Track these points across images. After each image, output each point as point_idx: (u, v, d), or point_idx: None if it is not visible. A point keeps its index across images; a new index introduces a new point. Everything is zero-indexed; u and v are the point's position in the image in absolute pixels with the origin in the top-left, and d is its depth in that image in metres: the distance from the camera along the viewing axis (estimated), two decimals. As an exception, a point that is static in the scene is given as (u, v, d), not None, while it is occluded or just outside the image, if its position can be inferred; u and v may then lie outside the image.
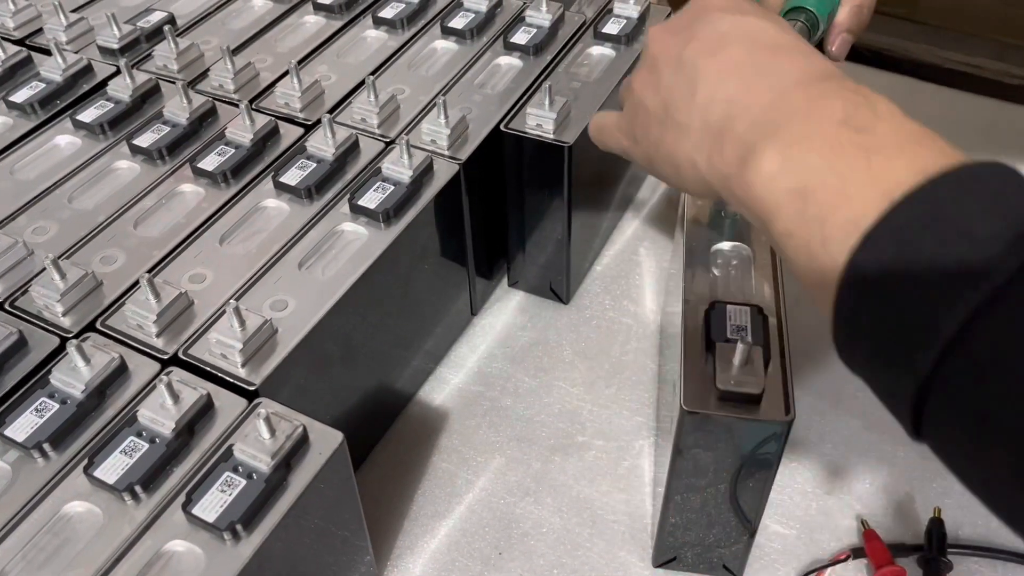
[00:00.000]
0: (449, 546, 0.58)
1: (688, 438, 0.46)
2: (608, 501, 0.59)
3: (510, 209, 0.68)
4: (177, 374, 0.47)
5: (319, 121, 0.61)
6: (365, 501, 0.50)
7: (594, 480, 0.61)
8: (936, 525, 0.55)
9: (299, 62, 0.68)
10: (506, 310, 0.72)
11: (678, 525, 0.52)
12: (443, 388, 0.67)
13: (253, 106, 0.64)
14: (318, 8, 0.75)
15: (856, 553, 0.55)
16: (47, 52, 0.69)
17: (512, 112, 0.64)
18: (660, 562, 0.55)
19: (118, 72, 0.66)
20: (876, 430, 0.62)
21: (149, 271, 0.53)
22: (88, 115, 0.63)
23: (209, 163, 0.59)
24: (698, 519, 0.51)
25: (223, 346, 0.48)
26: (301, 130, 0.63)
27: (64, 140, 0.63)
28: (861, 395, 0.64)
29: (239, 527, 0.41)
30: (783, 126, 0.35)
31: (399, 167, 0.58)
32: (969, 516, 0.57)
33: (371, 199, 0.57)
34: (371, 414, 0.62)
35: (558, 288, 0.72)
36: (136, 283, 0.51)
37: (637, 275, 0.75)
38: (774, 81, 0.37)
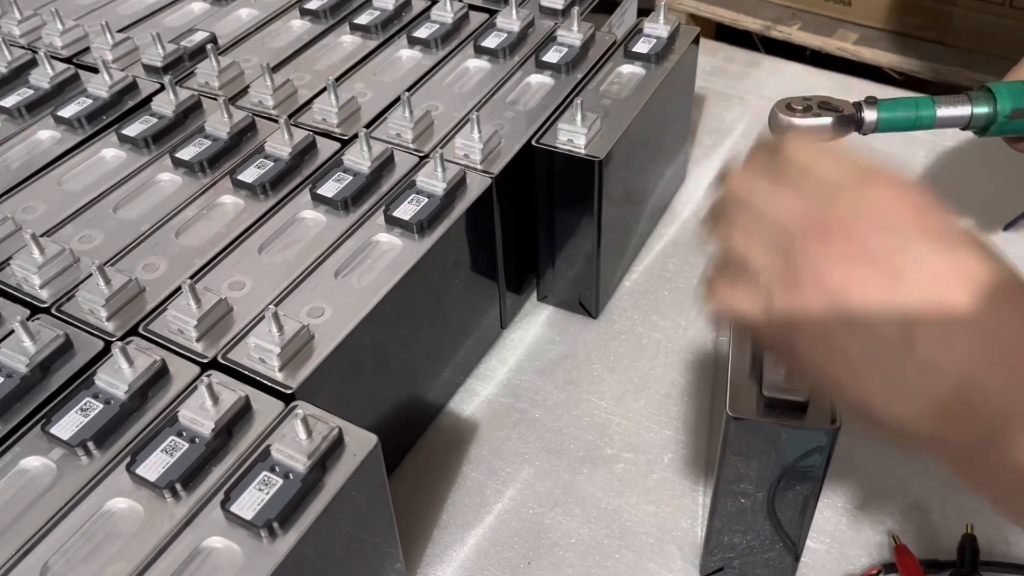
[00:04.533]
0: (478, 555, 0.58)
1: (734, 445, 0.46)
2: (637, 513, 0.60)
3: (540, 224, 0.69)
4: (217, 377, 0.48)
5: (355, 136, 0.63)
6: (395, 509, 0.50)
7: (623, 492, 0.61)
8: (969, 541, 0.55)
9: (336, 79, 0.70)
10: (535, 324, 0.73)
11: (723, 534, 0.52)
12: (473, 400, 0.68)
13: (292, 121, 0.66)
14: (355, 29, 0.77)
15: (888, 569, 0.55)
16: (94, 70, 0.72)
17: (543, 128, 0.66)
18: (707, 572, 0.55)
19: (162, 88, 0.69)
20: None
21: (190, 278, 0.54)
22: (133, 129, 0.65)
23: (249, 175, 0.61)
24: (744, 529, 0.51)
25: (261, 350, 0.49)
26: (338, 144, 0.65)
27: (110, 153, 0.65)
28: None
29: (275, 525, 0.41)
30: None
31: (433, 180, 0.59)
32: (1002, 533, 0.57)
33: (405, 211, 0.58)
34: (402, 423, 0.63)
35: (587, 303, 0.72)
36: (178, 289, 0.53)
37: (667, 291, 0.75)
38: (999, 331, 0.32)
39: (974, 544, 0.55)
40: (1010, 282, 0.33)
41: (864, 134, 0.53)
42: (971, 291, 0.33)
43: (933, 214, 0.35)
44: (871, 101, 0.52)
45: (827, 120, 0.52)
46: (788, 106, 0.53)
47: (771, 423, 0.44)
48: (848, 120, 0.52)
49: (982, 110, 0.52)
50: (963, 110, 0.52)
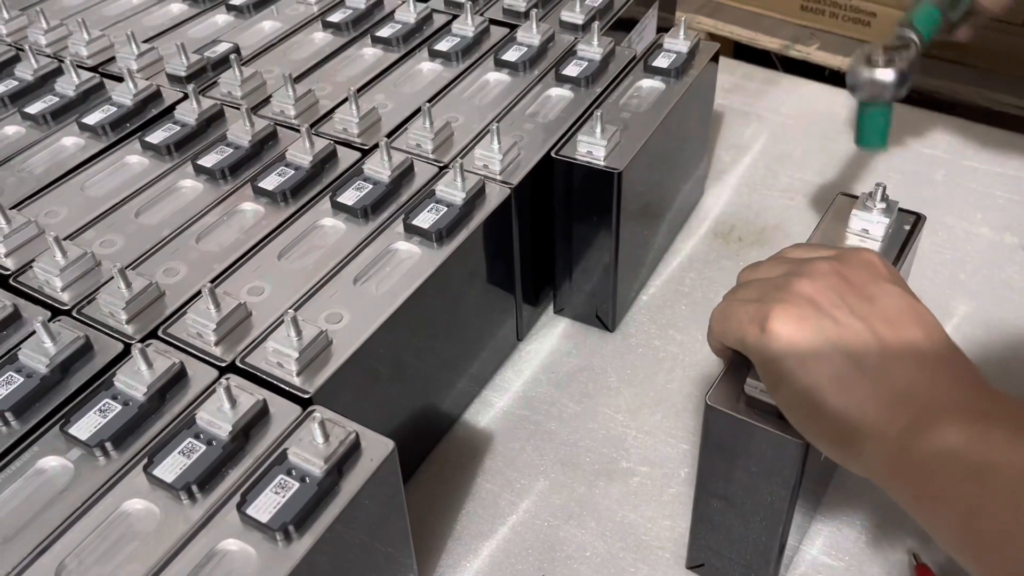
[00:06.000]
0: (492, 567, 0.58)
1: (709, 435, 0.47)
2: (652, 527, 0.59)
3: (558, 236, 0.69)
4: (235, 380, 0.48)
5: (376, 145, 0.63)
6: (409, 519, 0.50)
7: (638, 506, 0.60)
8: (991, 561, 0.54)
9: (358, 90, 0.70)
10: (552, 336, 0.73)
11: (703, 528, 0.53)
12: (488, 411, 0.67)
13: (313, 131, 0.66)
14: (376, 41, 0.78)
15: (907, 587, 0.54)
16: (119, 79, 0.73)
17: (563, 140, 0.66)
18: (691, 565, 0.56)
19: (185, 97, 0.69)
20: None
21: (210, 282, 0.54)
22: (156, 137, 0.66)
23: (269, 183, 0.61)
24: (723, 526, 0.52)
25: (279, 355, 0.49)
26: (358, 154, 0.65)
27: (132, 160, 0.66)
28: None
29: (291, 528, 0.41)
30: (966, 411, 0.38)
31: (452, 189, 0.59)
32: None
33: (425, 219, 0.58)
34: (417, 433, 0.63)
35: (604, 316, 0.72)
36: (197, 294, 0.53)
37: (684, 305, 0.75)
38: (956, 373, 0.40)
39: (996, 564, 0.54)
40: (947, 339, 0.42)
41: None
42: (925, 330, 0.42)
43: (900, 278, 0.45)
44: (908, 25, 0.59)
45: (910, 57, 0.55)
46: (868, 60, 0.55)
47: (744, 420, 0.45)
48: (917, 54, 0.57)
49: None
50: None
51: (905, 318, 0.42)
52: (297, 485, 0.43)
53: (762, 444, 0.45)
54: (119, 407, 0.47)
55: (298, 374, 0.49)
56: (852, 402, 0.40)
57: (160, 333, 0.52)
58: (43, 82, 0.73)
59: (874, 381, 0.40)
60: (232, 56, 0.72)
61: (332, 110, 0.69)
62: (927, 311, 0.43)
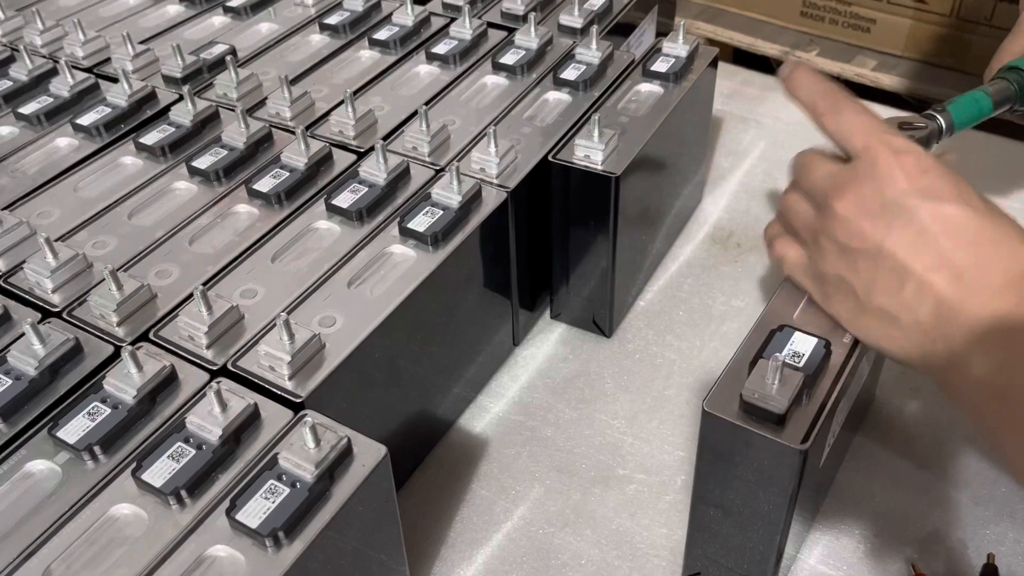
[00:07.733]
0: (486, 574, 0.57)
1: (708, 443, 0.47)
2: (649, 535, 0.58)
3: (555, 241, 0.69)
4: (226, 384, 0.48)
5: (372, 148, 0.63)
6: (403, 525, 0.50)
7: (635, 514, 0.60)
8: (990, 571, 0.53)
9: (354, 92, 0.70)
10: (548, 341, 0.72)
11: (700, 537, 0.52)
12: (483, 416, 0.67)
13: (308, 133, 0.66)
14: (373, 44, 0.78)
15: (906, 597, 0.54)
16: (114, 80, 0.72)
17: (560, 144, 0.65)
18: (687, 574, 0.55)
19: (180, 98, 0.69)
20: (929, 472, 0.61)
21: (202, 285, 0.54)
22: (150, 138, 0.66)
23: (264, 185, 0.61)
24: (720, 534, 0.51)
25: (271, 358, 0.48)
26: (354, 156, 0.65)
27: (126, 161, 0.65)
28: (914, 436, 0.63)
29: (281, 534, 0.41)
30: (992, 333, 0.38)
31: (448, 192, 0.59)
32: (1025, 564, 0.55)
33: (420, 223, 0.58)
34: (412, 438, 0.62)
35: (601, 321, 0.72)
36: (189, 296, 0.53)
37: (682, 311, 0.74)
38: (981, 283, 0.40)
39: (995, 574, 0.53)
40: (990, 224, 0.41)
41: (940, 141, 0.57)
42: (951, 237, 0.41)
43: (928, 174, 0.43)
44: (939, 109, 0.57)
45: (918, 139, 0.55)
46: None
47: (741, 427, 0.44)
48: (931, 135, 0.56)
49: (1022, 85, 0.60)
50: (1008, 91, 0.60)
51: (928, 235, 0.42)
52: (287, 490, 0.42)
53: (759, 451, 0.45)
54: (108, 410, 0.46)
55: (290, 378, 0.48)
56: (900, 337, 0.43)
57: (151, 336, 0.51)
58: (38, 82, 0.73)
59: (911, 310, 0.42)
60: (228, 58, 0.72)
61: (328, 112, 0.69)
62: (950, 210, 0.42)
